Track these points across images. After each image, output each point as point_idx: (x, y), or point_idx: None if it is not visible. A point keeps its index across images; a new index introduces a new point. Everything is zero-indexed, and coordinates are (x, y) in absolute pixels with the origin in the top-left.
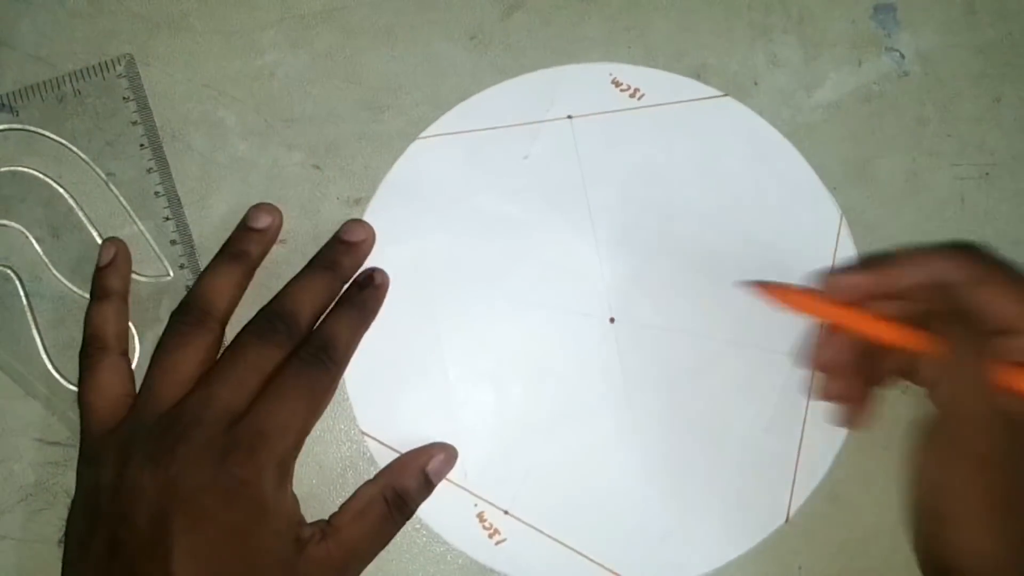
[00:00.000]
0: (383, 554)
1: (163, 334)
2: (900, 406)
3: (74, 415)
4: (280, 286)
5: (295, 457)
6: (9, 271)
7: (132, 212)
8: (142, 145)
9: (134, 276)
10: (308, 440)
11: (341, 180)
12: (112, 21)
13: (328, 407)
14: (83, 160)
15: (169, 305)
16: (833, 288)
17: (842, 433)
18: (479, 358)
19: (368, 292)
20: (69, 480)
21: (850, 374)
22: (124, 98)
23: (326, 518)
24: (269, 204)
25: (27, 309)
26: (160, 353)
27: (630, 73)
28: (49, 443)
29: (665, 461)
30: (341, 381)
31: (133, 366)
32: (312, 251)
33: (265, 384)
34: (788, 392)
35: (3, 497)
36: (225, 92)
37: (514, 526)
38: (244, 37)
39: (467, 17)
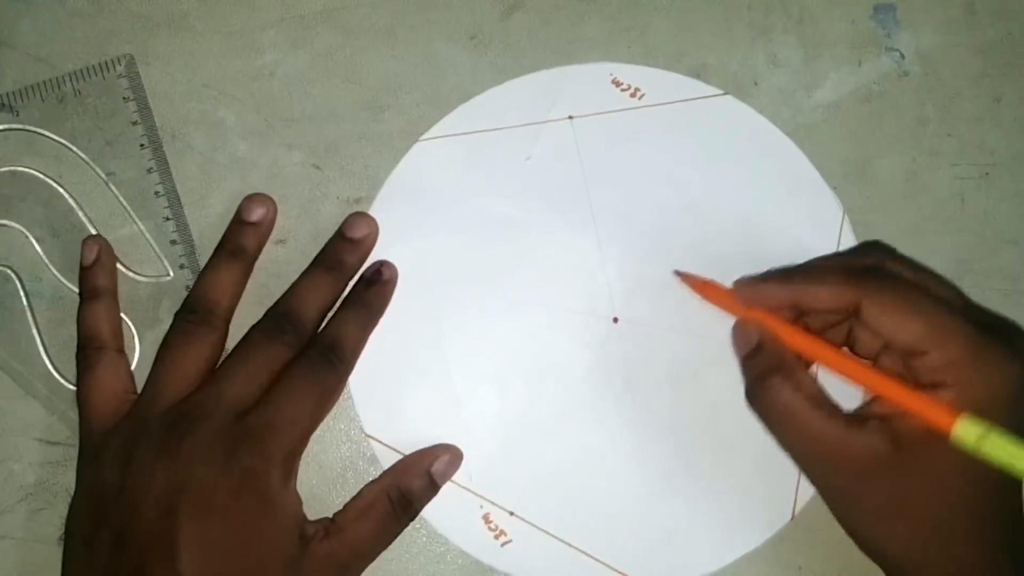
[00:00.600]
0: (383, 553)
1: (167, 333)
2: None
3: (74, 415)
4: (280, 286)
5: (300, 454)
6: (9, 271)
7: (132, 212)
8: (142, 145)
9: (134, 276)
10: (308, 440)
11: (341, 180)
12: (112, 21)
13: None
14: (83, 160)
15: (169, 305)
16: (744, 297)
17: None
18: (482, 359)
19: (375, 289)
20: (69, 480)
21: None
22: (124, 98)
23: (330, 516)
24: (262, 195)
25: (27, 309)
26: (164, 351)
27: (630, 73)
28: (49, 443)
29: (670, 460)
30: None
31: (133, 366)
32: (312, 251)
33: (273, 382)
34: None
35: (3, 497)
36: (225, 92)
37: (520, 527)
38: (244, 37)
39: (467, 17)
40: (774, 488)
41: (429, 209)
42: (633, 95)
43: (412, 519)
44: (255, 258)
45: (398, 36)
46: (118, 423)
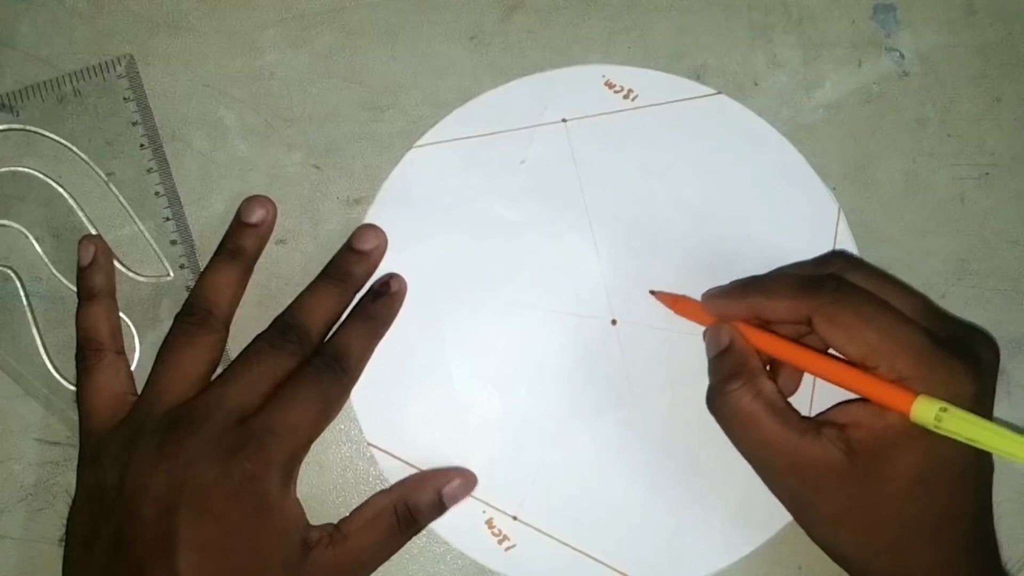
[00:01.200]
0: None
1: (168, 334)
2: None
3: (74, 414)
4: (280, 286)
5: (300, 461)
6: (9, 271)
7: (132, 212)
8: (142, 145)
9: (134, 276)
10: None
11: (341, 180)
12: (112, 21)
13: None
14: (83, 160)
15: (169, 305)
16: (710, 309)
17: None
18: (482, 363)
19: (383, 301)
20: (69, 480)
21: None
22: (124, 98)
23: (333, 522)
24: (262, 196)
25: (27, 309)
26: (165, 352)
27: (623, 74)
28: (49, 443)
29: (671, 461)
30: None
31: (133, 367)
32: (312, 251)
33: (276, 389)
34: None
35: (3, 497)
36: (225, 92)
37: (523, 531)
38: (244, 37)
39: (467, 17)
40: None
41: (423, 215)
42: (626, 96)
43: (414, 535)
44: (255, 259)
45: (398, 36)
46: (118, 424)
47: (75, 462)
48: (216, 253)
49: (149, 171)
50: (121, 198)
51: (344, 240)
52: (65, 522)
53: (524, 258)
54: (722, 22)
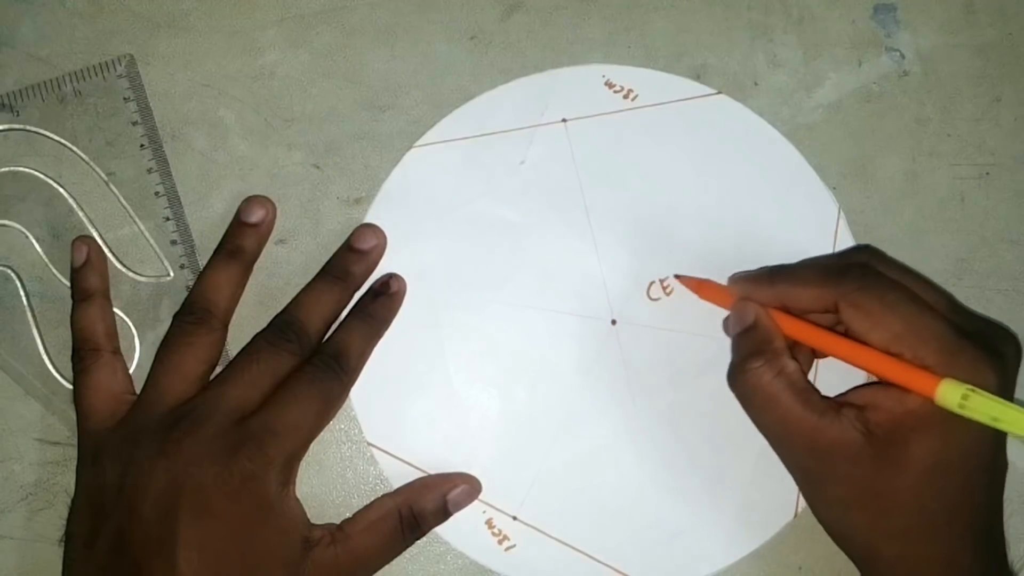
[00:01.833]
0: None
1: (167, 334)
2: None
3: (74, 414)
4: (280, 286)
5: (300, 460)
6: (9, 271)
7: (132, 212)
8: (142, 145)
9: (135, 276)
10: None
11: (341, 180)
12: (112, 21)
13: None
14: (83, 160)
15: (169, 305)
16: (735, 293)
17: None
18: (482, 364)
19: (381, 301)
20: (69, 480)
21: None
22: (124, 98)
23: (334, 522)
24: (262, 196)
25: (27, 309)
26: (164, 352)
27: (623, 74)
28: (49, 443)
29: (672, 461)
30: None
31: (133, 367)
32: (312, 251)
33: (276, 389)
34: None
35: (3, 497)
36: (225, 92)
37: (523, 531)
38: (244, 37)
39: (467, 17)
40: (776, 487)
41: (423, 215)
42: (626, 96)
43: (417, 539)
44: (255, 259)
45: (398, 36)
46: (117, 424)
47: (75, 462)
48: (215, 253)
49: (149, 171)
50: (121, 198)
51: (344, 240)
52: (65, 522)
53: (524, 258)
54: (722, 22)
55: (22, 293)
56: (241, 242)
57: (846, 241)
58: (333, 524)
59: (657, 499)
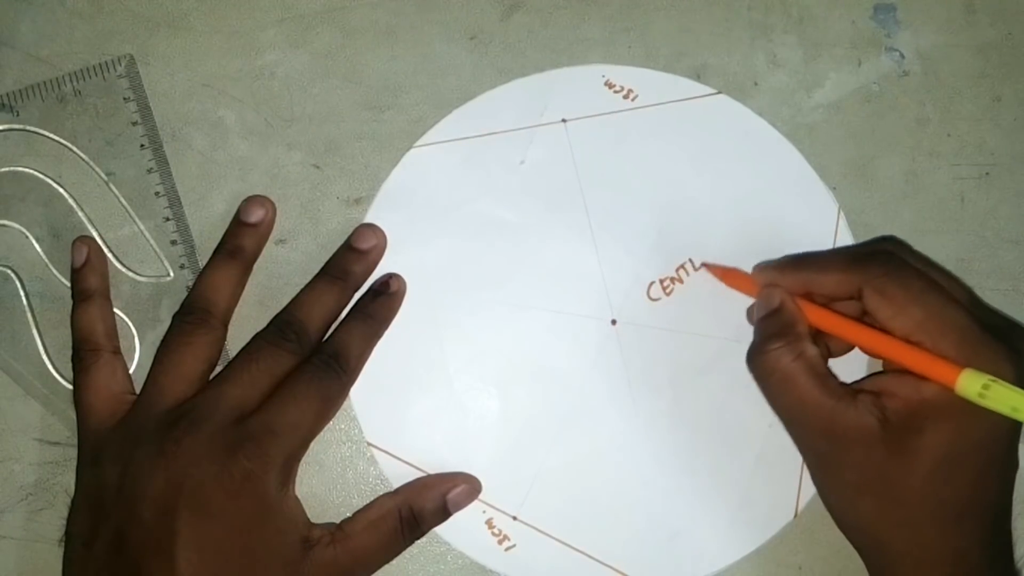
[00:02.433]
0: None
1: (166, 334)
2: None
3: (74, 414)
4: (280, 286)
5: (299, 459)
6: (9, 271)
7: (132, 212)
8: (142, 145)
9: (134, 276)
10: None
11: (341, 180)
12: (112, 21)
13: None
14: (83, 160)
15: (169, 305)
16: (762, 282)
17: None
18: (482, 364)
19: (381, 301)
20: (69, 480)
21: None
22: (124, 98)
23: (334, 521)
24: (261, 196)
25: (27, 309)
26: (164, 352)
27: (623, 74)
28: (49, 443)
29: (672, 461)
30: None
31: (133, 367)
32: (312, 251)
33: (275, 388)
34: None
35: (3, 497)
36: (225, 92)
37: (523, 531)
38: (244, 37)
39: (467, 17)
40: (775, 487)
41: (423, 215)
42: (626, 96)
43: (417, 539)
44: (254, 259)
45: (398, 36)
46: (117, 424)
47: (75, 462)
48: (215, 253)
49: (149, 171)
50: (121, 198)
51: (344, 240)
52: (65, 522)
53: (524, 258)
54: (722, 22)
55: (22, 293)
56: (241, 242)
57: (846, 241)
58: (333, 524)
59: (657, 499)
